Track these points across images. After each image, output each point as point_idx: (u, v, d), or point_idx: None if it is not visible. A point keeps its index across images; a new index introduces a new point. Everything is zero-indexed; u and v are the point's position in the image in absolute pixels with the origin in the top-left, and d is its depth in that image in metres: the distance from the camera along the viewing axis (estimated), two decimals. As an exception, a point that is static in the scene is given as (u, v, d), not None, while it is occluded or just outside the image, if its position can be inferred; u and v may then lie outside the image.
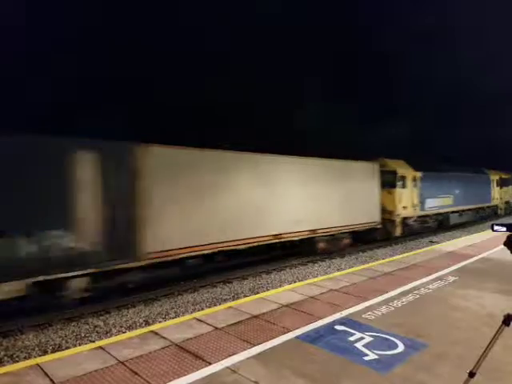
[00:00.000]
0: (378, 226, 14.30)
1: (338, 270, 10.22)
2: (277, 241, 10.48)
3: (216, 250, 8.98)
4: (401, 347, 4.13)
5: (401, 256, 10.02)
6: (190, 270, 8.93)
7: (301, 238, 11.25)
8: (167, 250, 8.02)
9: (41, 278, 6.38)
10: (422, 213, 16.60)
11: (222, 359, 3.91)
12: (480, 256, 9.32)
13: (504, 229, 2.68)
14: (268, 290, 8.32)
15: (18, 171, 6.25)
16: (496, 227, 2.74)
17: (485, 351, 2.54)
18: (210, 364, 3.81)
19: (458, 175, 19.69)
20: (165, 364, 3.84)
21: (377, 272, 7.80)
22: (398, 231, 15.19)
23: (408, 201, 15.55)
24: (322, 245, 12.08)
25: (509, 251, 2.59)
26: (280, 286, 8.71)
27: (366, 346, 4.18)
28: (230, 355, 4.00)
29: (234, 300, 7.67)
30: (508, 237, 2.59)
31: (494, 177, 24.49)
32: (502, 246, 2.62)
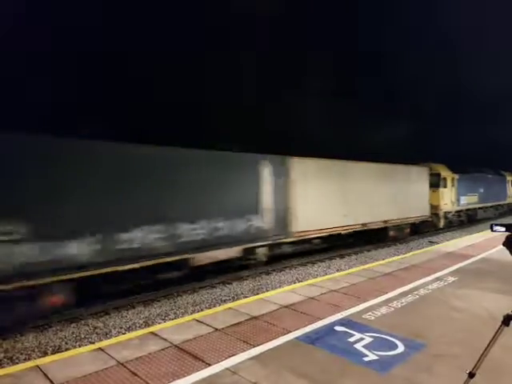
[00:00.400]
0: (429, 219, 17.30)
1: (337, 270, 10.22)
2: (365, 228, 13.57)
3: (331, 233, 12.18)
4: (401, 348, 4.13)
5: (400, 256, 10.03)
6: (316, 246, 12.63)
7: (379, 226, 14.18)
8: (304, 231, 11.16)
9: (247, 246, 9.77)
10: (458, 208, 19.78)
11: (222, 360, 3.91)
12: (479, 256, 9.33)
13: (503, 229, 2.69)
14: (268, 290, 8.32)
15: (240, 177, 9.64)
16: (495, 227, 2.75)
17: (484, 351, 2.54)
18: (209, 365, 3.81)
19: (482, 176, 22.81)
20: (164, 365, 3.84)
21: (376, 273, 7.80)
22: (442, 223, 18.34)
23: (448, 198, 18.71)
24: (392, 233, 15.05)
25: (508, 251, 2.60)
26: (280, 286, 8.71)
27: (365, 346, 4.18)
28: (229, 356, 4.00)
29: (233, 301, 7.67)
30: (507, 237, 2.59)
31: (510, 177, 28.11)
32: (502, 247, 2.62)
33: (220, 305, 7.40)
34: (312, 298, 6.07)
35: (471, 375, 2.60)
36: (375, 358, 3.91)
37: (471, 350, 2.94)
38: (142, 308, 7.61)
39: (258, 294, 8.02)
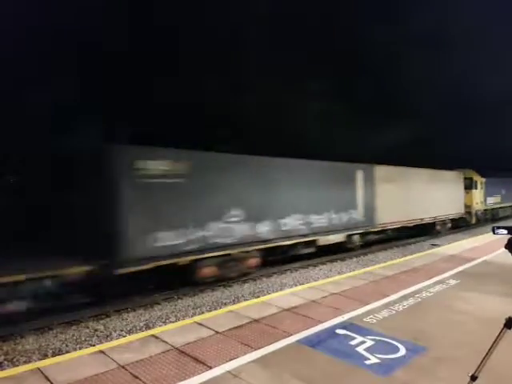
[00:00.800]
0: (464, 216, 20.87)
1: (339, 273, 10.20)
2: (422, 222, 16.99)
3: (400, 225, 15.56)
4: (402, 351, 4.11)
5: (402, 259, 10.00)
6: (389, 236, 15.81)
7: (430, 221, 17.68)
8: (384, 223, 14.61)
9: (349, 233, 13.06)
10: (485, 207, 23.33)
11: (223, 363, 3.89)
12: (481, 259, 9.30)
13: (505, 232, 2.68)
14: (269, 293, 8.31)
15: (344, 181, 13.08)
16: (497, 230, 2.74)
17: (487, 354, 2.53)
18: (210, 368, 3.80)
19: (503, 179, 26.26)
20: (165, 368, 3.83)
21: (378, 275, 7.78)
22: (474, 220, 21.69)
23: (478, 198, 22.20)
24: (438, 227, 18.49)
25: (510, 254, 2.59)
26: (281, 289, 8.68)
27: (367, 349, 4.16)
28: (230, 359, 3.99)
29: (234, 304, 7.65)
30: (509, 240, 2.59)
31: None
32: (504, 249, 2.62)
33: (221, 308, 7.38)
34: (313, 301, 6.05)
35: (473, 378, 2.58)
36: (377, 361, 3.89)
37: (473, 353, 2.92)
38: (142, 311, 7.60)
39: (258, 296, 8.00)
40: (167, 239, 8.00)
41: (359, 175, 13.52)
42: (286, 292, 6.87)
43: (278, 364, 3.87)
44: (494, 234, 2.78)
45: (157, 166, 7.90)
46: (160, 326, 6.51)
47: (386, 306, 5.72)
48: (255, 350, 4.22)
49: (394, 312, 5.42)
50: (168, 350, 4.27)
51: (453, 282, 7.10)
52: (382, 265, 9.28)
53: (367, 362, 3.86)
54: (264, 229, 10.11)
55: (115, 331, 6.53)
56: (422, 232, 17.42)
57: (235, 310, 5.71)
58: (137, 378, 3.63)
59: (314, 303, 5.96)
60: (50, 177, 8.68)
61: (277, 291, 8.31)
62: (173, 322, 6.52)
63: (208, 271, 8.89)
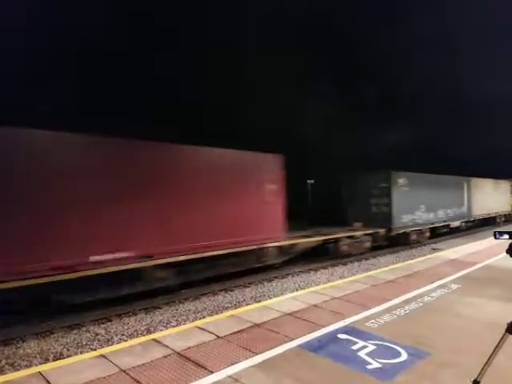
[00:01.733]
0: (510, 213, 28.26)
1: (340, 277, 10.18)
2: (491, 216, 24.48)
3: (481, 218, 23.44)
4: (404, 356, 4.10)
5: (403, 263, 9.98)
6: (476, 223, 22.78)
7: (493, 215, 25.05)
8: (475, 215, 22.37)
9: (461, 220, 20.86)
10: None
11: (224, 368, 3.89)
12: (483, 263, 9.28)
13: (506, 236, 2.69)
14: (270, 298, 8.30)
15: (458, 188, 20.77)
16: (499, 235, 2.74)
17: (489, 359, 2.53)
18: (212, 372, 3.79)
19: None
20: (167, 372, 3.82)
21: (379, 280, 7.77)
22: None
23: None
24: (497, 219, 25.94)
25: (511, 259, 2.59)
26: (282, 294, 8.67)
27: (369, 354, 4.15)
28: (232, 364, 3.98)
29: (235, 308, 7.64)
30: (510, 244, 2.59)
31: None
32: (505, 254, 2.62)
33: (222, 312, 7.37)
34: (315, 306, 6.04)
35: (476, 383, 2.58)
36: (379, 366, 3.88)
37: (475, 358, 2.91)
38: (143, 315, 7.59)
39: (260, 301, 7.99)
40: (404, 218, 15.89)
41: (465, 184, 21.10)
42: (288, 296, 6.86)
43: (279, 369, 3.86)
44: (496, 238, 2.78)
45: (401, 181, 15.70)
46: (161, 330, 6.50)
47: (388, 310, 5.70)
48: (256, 354, 4.22)
49: (395, 316, 5.41)
50: (169, 355, 4.26)
51: (454, 286, 7.08)
52: (384, 269, 9.26)
53: (369, 367, 3.85)
54: (431, 216, 17.75)
55: (116, 335, 6.52)
56: (486, 223, 24.48)
57: (236, 315, 5.70)
58: (138, 382, 3.63)
59: (315, 308, 5.95)
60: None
61: (278, 295, 8.30)
62: (174, 327, 6.52)
63: (414, 237, 16.72)
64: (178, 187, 8.71)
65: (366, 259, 13.41)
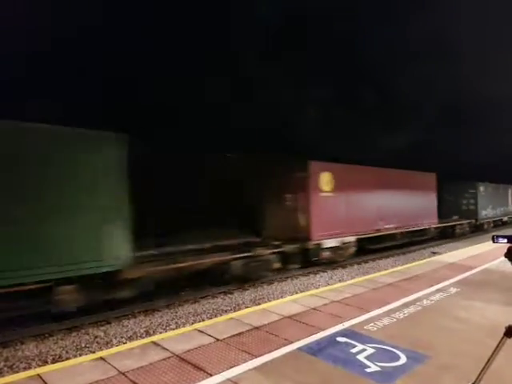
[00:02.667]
0: None
1: (340, 280, 10.18)
2: None
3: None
4: (403, 359, 4.10)
5: (403, 267, 9.99)
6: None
7: None
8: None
9: (508, 216, 28.59)
10: None
11: (224, 371, 3.89)
12: (482, 267, 9.29)
13: (505, 240, 2.70)
14: (269, 300, 8.30)
15: (504, 193, 28.56)
16: (497, 239, 2.76)
17: (487, 363, 2.53)
18: (211, 375, 3.79)
19: None
20: (166, 375, 3.82)
21: (379, 283, 7.77)
22: None
23: None
24: None
25: (510, 263, 2.60)
26: (281, 296, 8.67)
27: (368, 357, 4.15)
28: (231, 367, 3.98)
29: (235, 311, 7.64)
30: (509, 248, 2.60)
31: None
32: (504, 258, 2.63)
33: (221, 315, 7.37)
34: (314, 309, 6.04)
35: (474, 387, 2.58)
36: (378, 369, 3.88)
37: (474, 362, 2.92)
38: (142, 317, 7.59)
39: (259, 304, 7.98)
40: (482, 213, 23.01)
41: (509, 190, 28.18)
42: (287, 299, 6.86)
43: (279, 372, 3.86)
44: (494, 242, 2.80)
45: (481, 188, 22.78)
46: (160, 332, 6.50)
47: (387, 313, 5.71)
48: (256, 357, 4.22)
49: (394, 320, 5.41)
50: (168, 357, 4.26)
51: (453, 290, 7.09)
52: (383, 272, 9.26)
53: (368, 370, 3.85)
54: (494, 212, 24.62)
55: (115, 338, 6.51)
56: None
57: (236, 317, 5.70)
58: (137, 385, 3.63)
59: (314, 311, 5.96)
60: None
61: (277, 298, 8.30)
62: (173, 329, 6.51)
63: (486, 226, 24.00)
64: (401, 192, 16.22)
65: (366, 262, 13.41)
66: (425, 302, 6.31)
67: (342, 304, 6.31)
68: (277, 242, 10.79)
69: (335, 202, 12.40)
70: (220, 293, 9.27)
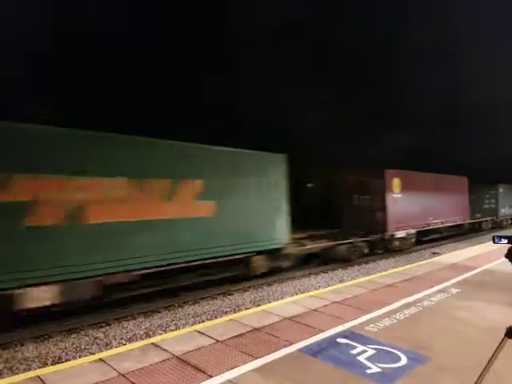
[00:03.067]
0: None
1: (340, 281, 10.17)
2: None
3: None
4: (404, 360, 4.09)
5: (403, 268, 9.97)
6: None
7: None
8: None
9: None
10: None
11: (224, 372, 3.88)
12: (482, 268, 9.27)
13: (505, 241, 2.69)
14: (269, 302, 8.28)
15: None
16: (497, 239, 2.75)
17: (487, 364, 2.53)
18: (211, 377, 3.78)
19: None
20: (166, 377, 3.81)
21: (379, 284, 7.76)
22: None
23: None
24: None
25: (510, 263, 2.60)
26: (281, 298, 8.66)
27: (368, 358, 4.14)
28: (231, 368, 3.97)
29: (235, 312, 7.63)
30: (509, 249, 2.60)
31: None
32: (504, 258, 2.63)
33: (221, 316, 7.35)
34: (314, 310, 6.03)
35: (475, 388, 2.57)
36: (378, 370, 3.87)
37: (474, 363, 2.91)
38: (142, 319, 7.58)
39: (259, 305, 7.98)
40: (501, 212, 25.55)
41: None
42: (287, 300, 6.85)
43: (279, 373, 3.85)
44: (495, 243, 2.79)
45: (501, 189, 25.44)
46: (160, 334, 6.49)
47: (388, 314, 5.70)
48: (256, 358, 4.21)
49: (395, 321, 5.40)
50: (168, 359, 4.25)
51: (454, 290, 7.08)
52: (383, 273, 9.25)
53: (368, 372, 3.84)
54: (510, 211, 26.50)
55: (115, 339, 6.50)
56: None
57: (236, 319, 5.69)
58: (137, 386, 3.62)
59: (315, 312, 5.95)
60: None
61: (278, 300, 8.29)
62: (173, 331, 6.50)
63: (505, 223, 26.46)
64: (443, 193, 19.05)
65: (366, 263, 13.40)
66: (425, 302, 6.30)
67: (342, 305, 6.30)
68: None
69: (402, 202, 15.48)
70: (220, 294, 9.26)
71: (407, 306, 6.13)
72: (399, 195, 15.34)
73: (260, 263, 10.27)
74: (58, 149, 6.80)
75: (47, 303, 6.47)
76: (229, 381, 3.69)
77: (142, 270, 7.67)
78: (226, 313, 7.79)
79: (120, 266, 7.34)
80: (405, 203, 15.56)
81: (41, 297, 6.36)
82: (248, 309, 7.47)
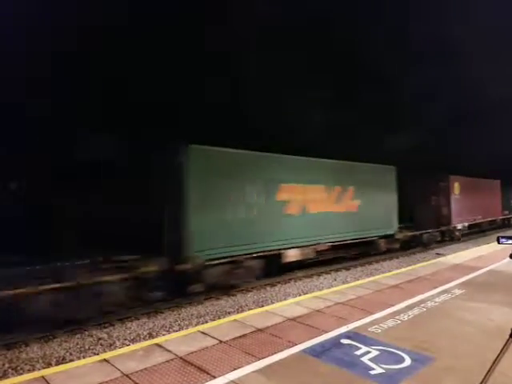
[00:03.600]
0: None
1: (343, 282, 10.14)
2: None
3: None
4: (408, 361, 4.08)
5: (407, 268, 9.94)
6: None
7: None
8: None
9: None
10: None
11: (227, 373, 3.88)
12: (486, 268, 9.23)
13: (510, 241, 2.68)
14: (273, 302, 8.27)
15: None
16: (502, 240, 2.74)
17: (492, 365, 2.51)
18: (214, 377, 3.79)
19: None
20: (169, 377, 3.82)
21: (383, 285, 7.74)
22: None
23: None
24: None
25: None
26: (285, 298, 8.65)
27: (372, 359, 4.13)
28: (234, 369, 3.97)
29: (238, 313, 7.63)
30: None
31: None
32: (509, 259, 2.62)
33: (225, 317, 7.35)
34: (318, 311, 6.03)
35: (480, 389, 2.56)
36: (382, 371, 3.86)
37: (479, 364, 2.90)
38: (146, 319, 7.59)
39: (262, 306, 7.97)
40: None
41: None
42: (290, 301, 6.84)
43: (282, 374, 3.85)
44: (499, 243, 2.78)
45: None
46: (164, 334, 6.49)
47: (391, 315, 5.68)
48: (259, 359, 4.21)
49: (399, 322, 5.38)
50: (172, 359, 4.26)
51: (458, 291, 7.05)
52: (387, 274, 9.23)
53: (372, 373, 3.83)
54: None
55: (119, 340, 6.52)
56: None
57: (239, 319, 5.69)
58: (140, 387, 3.63)
59: (318, 313, 5.94)
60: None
61: (281, 300, 8.28)
62: (176, 331, 6.52)
63: None
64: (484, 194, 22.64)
65: (370, 264, 13.36)
66: (429, 303, 6.27)
67: (345, 306, 6.28)
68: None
69: (460, 201, 19.38)
70: (223, 295, 9.26)
71: (411, 306, 6.11)
72: (458, 196, 19.39)
73: (382, 245, 14.27)
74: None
75: (294, 259, 10.74)
76: (232, 381, 3.70)
77: (331, 243, 11.94)
78: (229, 313, 7.78)
79: (323, 239, 11.67)
80: (461, 202, 19.69)
81: (291, 255, 10.70)
82: (251, 309, 7.46)
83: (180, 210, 8.38)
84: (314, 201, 11.44)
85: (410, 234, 16.19)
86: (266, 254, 10.13)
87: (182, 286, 8.45)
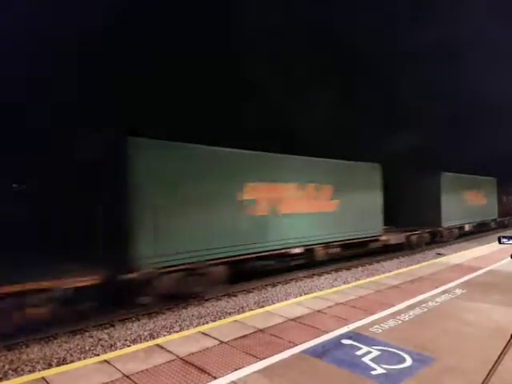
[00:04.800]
0: None
1: (344, 283, 10.13)
2: None
3: None
4: (409, 361, 4.07)
5: (407, 269, 9.93)
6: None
7: None
8: None
9: None
10: None
11: (228, 373, 3.87)
12: (487, 268, 9.22)
13: (511, 241, 2.68)
14: (274, 303, 8.26)
15: None
16: (503, 240, 2.74)
17: (494, 365, 2.51)
18: (215, 378, 3.78)
19: None
20: (170, 378, 3.81)
21: (383, 285, 7.73)
22: None
23: None
24: None
25: None
26: (286, 299, 8.64)
27: (373, 360, 4.13)
28: (235, 369, 3.97)
29: (239, 313, 7.61)
30: None
31: None
32: (509, 259, 2.61)
33: (225, 317, 7.34)
34: (318, 311, 6.02)
35: (481, 390, 2.55)
36: (383, 371, 3.85)
37: (480, 364, 2.89)
38: (146, 320, 7.58)
39: (263, 306, 7.96)
40: None
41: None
42: (291, 302, 6.84)
43: (283, 374, 3.84)
44: (500, 243, 2.78)
45: None
46: (164, 335, 6.48)
47: (392, 315, 5.67)
48: (260, 360, 4.20)
49: (399, 322, 5.38)
50: (172, 360, 4.25)
51: (459, 291, 7.04)
52: (388, 274, 9.22)
53: (373, 373, 3.83)
54: None
55: (119, 340, 6.51)
56: None
57: (240, 320, 5.69)
58: (141, 387, 3.62)
59: (319, 313, 5.93)
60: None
61: (282, 301, 8.27)
62: (177, 332, 6.51)
63: None
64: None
65: (370, 264, 13.35)
66: (430, 303, 6.27)
67: (346, 306, 6.28)
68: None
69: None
70: (224, 295, 9.25)
71: (412, 307, 6.10)
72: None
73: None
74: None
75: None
76: (233, 382, 3.69)
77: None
78: (230, 314, 7.77)
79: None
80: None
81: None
82: (252, 310, 7.45)
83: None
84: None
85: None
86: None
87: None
